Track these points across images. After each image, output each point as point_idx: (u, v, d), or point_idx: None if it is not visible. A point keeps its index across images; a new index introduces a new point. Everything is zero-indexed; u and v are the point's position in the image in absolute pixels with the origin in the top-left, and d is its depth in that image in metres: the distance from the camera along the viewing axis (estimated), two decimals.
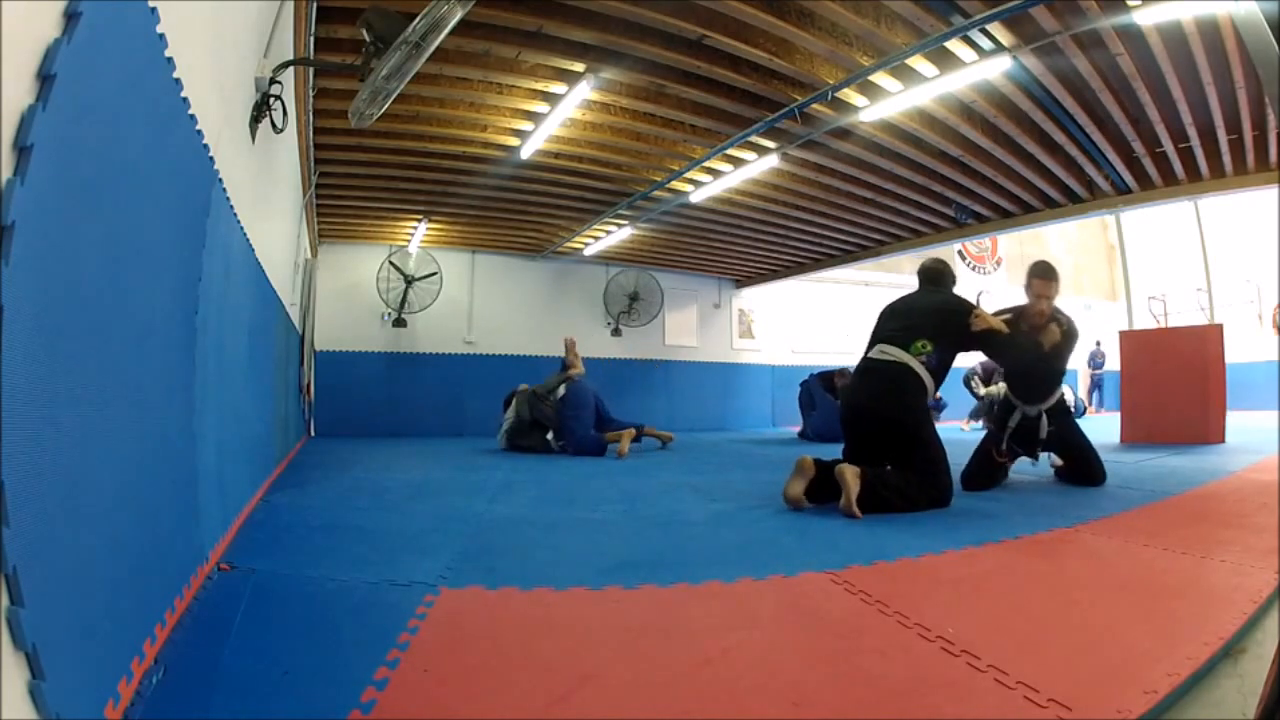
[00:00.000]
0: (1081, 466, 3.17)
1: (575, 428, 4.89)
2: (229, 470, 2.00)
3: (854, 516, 2.34)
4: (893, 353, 2.77)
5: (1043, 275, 3.03)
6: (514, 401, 5.23)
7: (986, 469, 3.13)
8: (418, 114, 4.35)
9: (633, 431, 4.95)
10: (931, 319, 2.86)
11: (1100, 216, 6.26)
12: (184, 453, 1.40)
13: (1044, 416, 3.14)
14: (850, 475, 2.40)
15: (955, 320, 2.84)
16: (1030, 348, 2.94)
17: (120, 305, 0.97)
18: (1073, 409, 3.61)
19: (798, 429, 7.32)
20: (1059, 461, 3.37)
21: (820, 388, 6.77)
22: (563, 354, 5.44)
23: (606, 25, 3.39)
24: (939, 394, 3.12)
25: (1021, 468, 3.46)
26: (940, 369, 2.77)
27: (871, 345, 2.92)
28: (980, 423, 7.36)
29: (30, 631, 0.64)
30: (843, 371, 6.91)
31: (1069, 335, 3.04)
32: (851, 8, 3.25)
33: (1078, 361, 12.02)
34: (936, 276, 3.13)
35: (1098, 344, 11.86)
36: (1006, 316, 3.03)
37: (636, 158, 5.10)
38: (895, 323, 2.92)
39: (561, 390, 5.00)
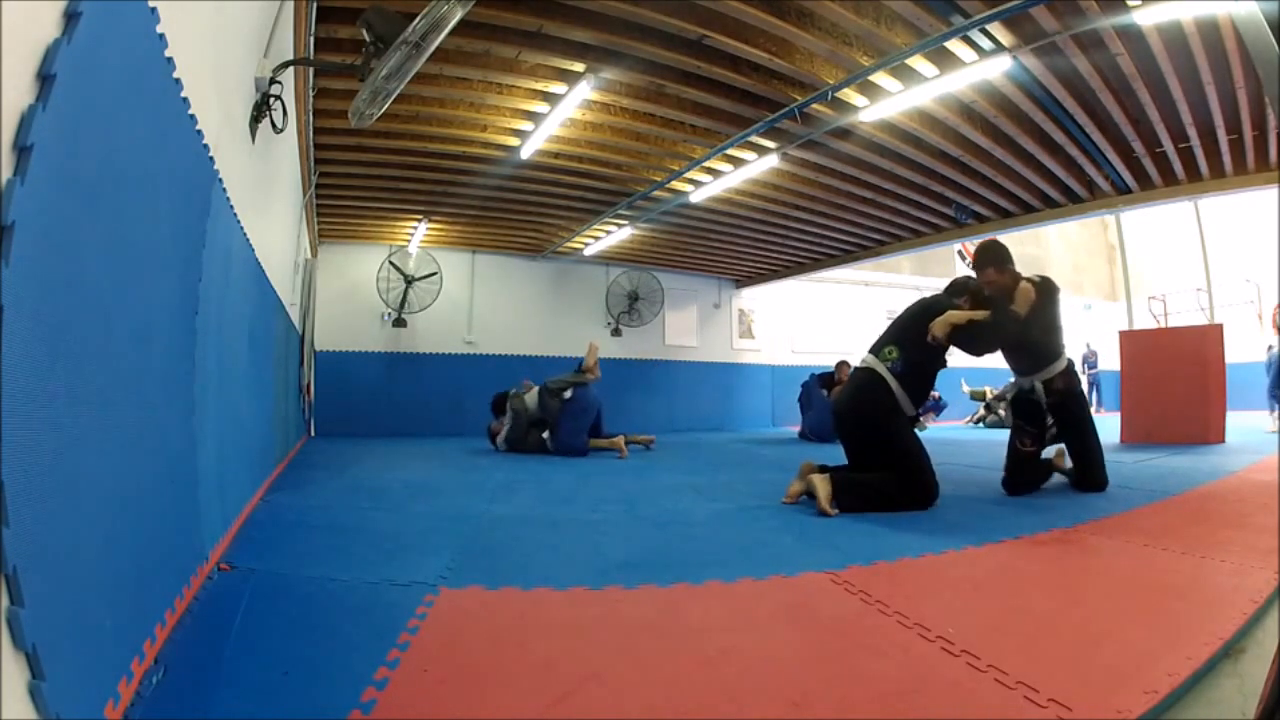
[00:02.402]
0: (1084, 464, 3.04)
1: (570, 427, 4.93)
2: (229, 470, 2.00)
3: (827, 515, 2.45)
4: (868, 360, 2.91)
5: (976, 265, 2.98)
6: (509, 405, 5.22)
7: (1023, 469, 2.98)
8: (418, 114, 4.35)
9: (625, 436, 5.19)
10: (900, 326, 2.97)
11: (1100, 216, 6.26)
12: (184, 453, 1.40)
13: (1038, 387, 3.04)
14: (819, 480, 2.55)
15: (917, 327, 2.86)
16: (1009, 324, 2.79)
17: (120, 305, 0.97)
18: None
19: (797, 428, 7.35)
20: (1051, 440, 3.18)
21: (817, 387, 6.86)
22: (583, 355, 5.47)
23: (606, 25, 3.39)
24: (936, 393, 3.05)
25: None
26: (910, 374, 2.78)
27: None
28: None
29: (30, 631, 0.64)
30: (842, 364, 6.96)
31: (1044, 289, 2.89)
32: (851, 8, 3.25)
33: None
34: (955, 287, 3.13)
35: (1088, 345, 11.88)
36: (981, 290, 2.94)
37: (636, 158, 5.10)
38: (883, 332, 3.05)
39: (569, 393, 5.01)
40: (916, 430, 2.90)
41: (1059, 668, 1.07)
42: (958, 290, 3.09)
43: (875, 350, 2.92)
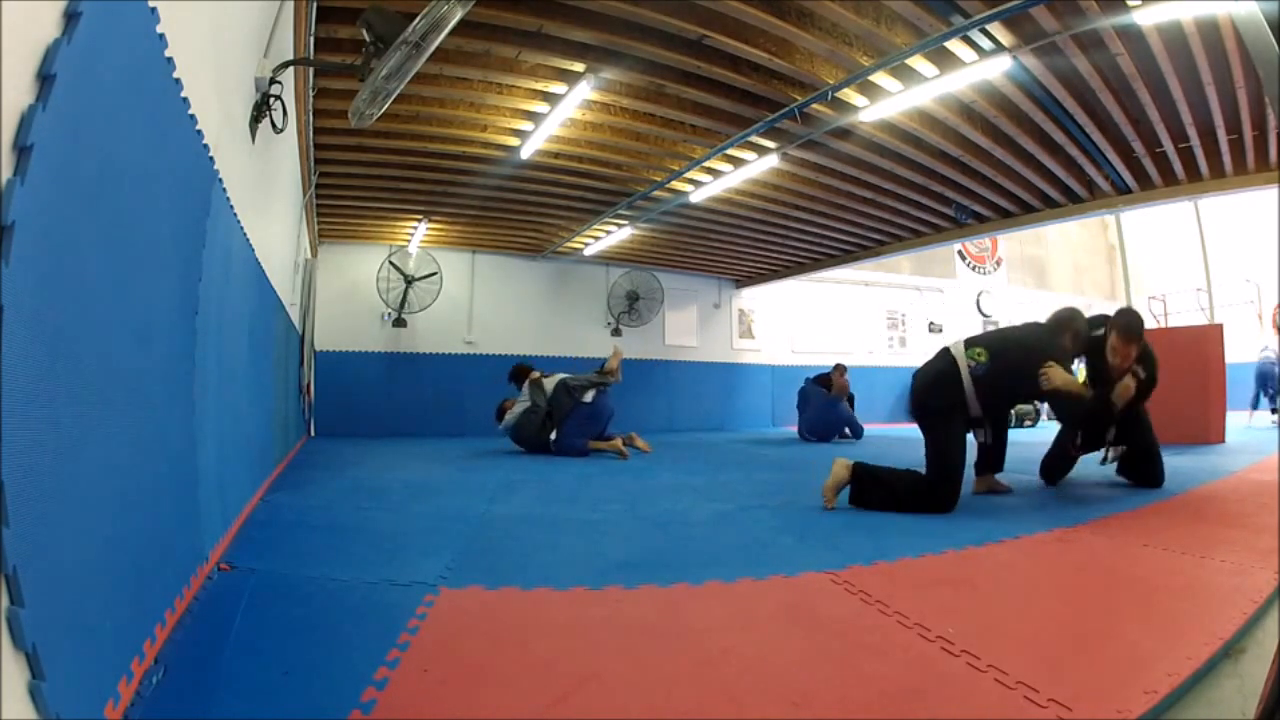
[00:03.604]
0: (1145, 464, 3.09)
1: (576, 428, 4.91)
2: (229, 470, 2.00)
3: (824, 501, 2.55)
4: (954, 348, 2.82)
5: (1124, 334, 2.88)
6: (529, 390, 5.10)
7: (1064, 463, 3.19)
8: (418, 114, 4.35)
9: (634, 434, 5.20)
10: (1003, 341, 2.84)
11: (1100, 216, 6.26)
12: (184, 453, 1.40)
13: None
14: (839, 466, 2.61)
15: (1021, 354, 2.72)
16: (1096, 408, 2.86)
17: (120, 305, 0.97)
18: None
19: (797, 428, 7.36)
20: (1119, 449, 3.20)
21: (815, 386, 6.88)
22: (587, 355, 5.42)
23: (606, 25, 3.38)
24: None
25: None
26: (988, 386, 2.66)
27: None
28: None
29: (30, 631, 0.64)
30: (839, 366, 6.96)
31: (1147, 385, 2.93)
32: (851, 8, 3.25)
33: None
34: (1061, 324, 2.97)
35: None
36: (1095, 336, 2.95)
37: (636, 158, 5.09)
38: (983, 333, 3.04)
39: (590, 395, 4.97)
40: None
41: (1059, 668, 1.07)
42: (1063, 326, 2.90)
43: (968, 343, 2.80)
